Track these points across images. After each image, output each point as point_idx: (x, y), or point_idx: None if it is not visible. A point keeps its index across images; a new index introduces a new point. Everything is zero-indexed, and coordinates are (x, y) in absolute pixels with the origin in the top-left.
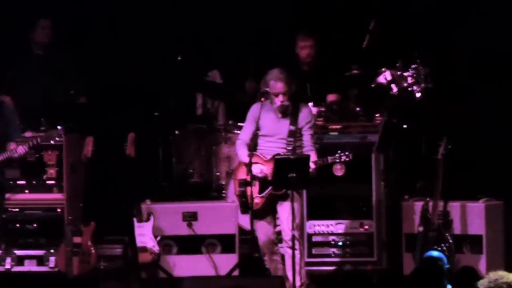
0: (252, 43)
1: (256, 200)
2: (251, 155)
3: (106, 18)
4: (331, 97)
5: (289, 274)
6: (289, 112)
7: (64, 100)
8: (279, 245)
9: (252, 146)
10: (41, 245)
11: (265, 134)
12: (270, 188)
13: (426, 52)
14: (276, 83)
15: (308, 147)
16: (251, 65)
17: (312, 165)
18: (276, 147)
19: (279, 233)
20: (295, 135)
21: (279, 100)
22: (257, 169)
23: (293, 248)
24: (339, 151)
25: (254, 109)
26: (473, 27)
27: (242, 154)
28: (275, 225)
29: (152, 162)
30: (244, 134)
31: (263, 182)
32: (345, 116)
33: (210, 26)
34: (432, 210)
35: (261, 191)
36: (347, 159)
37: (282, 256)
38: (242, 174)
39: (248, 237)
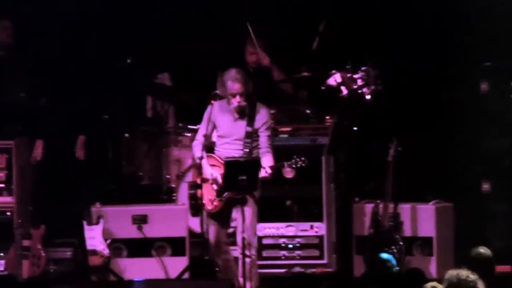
0: (201, 45)
1: (215, 203)
2: (201, 158)
3: (56, 20)
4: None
5: (241, 279)
6: (246, 113)
7: (14, 102)
8: (232, 248)
9: (208, 147)
10: None
11: (221, 135)
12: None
13: (376, 54)
14: (233, 84)
15: (265, 149)
16: (201, 67)
17: (268, 170)
18: (232, 149)
19: (231, 235)
20: (252, 136)
21: (236, 101)
22: (207, 172)
23: (243, 251)
24: (294, 156)
25: (210, 109)
26: (420, 29)
27: (196, 153)
28: (228, 228)
29: (101, 165)
30: (199, 134)
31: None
32: (295, 118)
33: (160, 29)
34: (382, 212)
35: (219, 194)
36: (303, 164)
37: (235, 258)
38: (192, 177)
39: (198, 240)
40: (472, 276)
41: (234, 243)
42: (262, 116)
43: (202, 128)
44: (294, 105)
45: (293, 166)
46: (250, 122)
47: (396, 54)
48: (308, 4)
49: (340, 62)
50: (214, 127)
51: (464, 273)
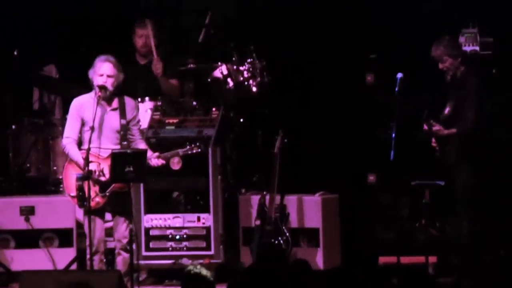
0: (89, 37)
1: (97, 199)
2: (87, 150)
3: None
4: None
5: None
6: (118, 105)
7: None
8: (108, 239)
9: (82, 142)
10: None
11: (94, 128)
12: (112, 186)
13: (262, 46)
14: (103, 63)
15: (138, 140)
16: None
17: (161, 161)
18: (109, 143)
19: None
20: (126, 129)
21: (101, 80)
22: (93, 165)
23: (130, 242)
24: (187, 143)
25: (77, 103)
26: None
27: (74, 153)
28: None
29: None
30: (70, 131)
31: (103, 181)
32: (181, 110)
33: (47, 20)
34: (269, 204)
35: (102, 189)
36: (199, 150)
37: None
38: (74, 171)
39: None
40: None
41: (110, 235)
42: (132, 107)
43: (72, 124)
44: (180, 96)
45: (189, 152)
46: (123, 115)
47: (282, 45)
48: None
49: (226, 54)
50: (83, 121)
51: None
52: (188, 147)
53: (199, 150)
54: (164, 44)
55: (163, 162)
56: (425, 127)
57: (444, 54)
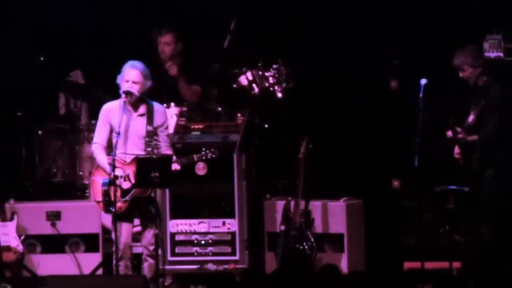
0: (116, 43)
1: (119, 204)
2: (113, 156)
3: None
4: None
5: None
6: (145, 111)
7: None
8: (134, 244)
9: (109, 148)
10: None
11: (121, 134)
12: (133, 191)
13: (287, 52)
14: (130, 70)
15: (165, 147)
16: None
17: (176, 165)
18: (135, 148)
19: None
20: (153, 135)
21: (127, 86)
22: (118, 171)
23: (156, 247)
24: (203, 148)
25: (106, 109)
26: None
27: (102, 159)
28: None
29: (15, 162)
30: (98, 136)
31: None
32: (207, 115)
33: (73, 26)
34: (293, 209)
35: (123, 195)
36: (213, 155)
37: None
38: (101, 176)
39: (111, 236)
40: None
41: (137, 240)
42: (160, 114)
43: (101, 128)
44: (206, 102)
45: (203, 158)
46: (150, 121)
47: (307, 51)
48: (219, 1)
49: (252, 60)
50: (111, 127)
51: None
52: (203, 152)
53: (214, 155)
54: (188, 50)
55: (177, 167)
56: (450, 134)
57: (464, 63)
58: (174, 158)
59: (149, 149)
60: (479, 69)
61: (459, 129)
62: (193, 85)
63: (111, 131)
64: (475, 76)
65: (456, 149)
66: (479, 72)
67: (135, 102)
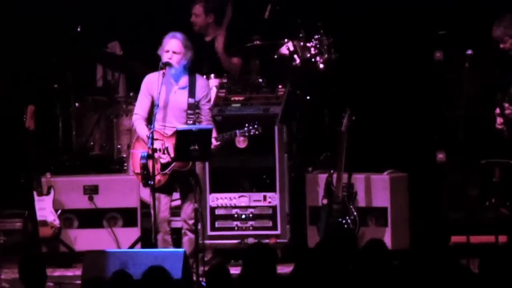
0: (151, 14)
1: (158, 177)
2: (152, 129)
3: None
4: (235, 60)
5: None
6: (187, 84)
7: None
8: (174, 219)
9: (151, 120)
10: None
11: (162, 107)
12: (173, 164)
13: (329, 23)
14: (170, 39)
15: (207, 121)
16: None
17: (214, 141)
18: (176, 121)
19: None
20: (194, 108)
21: (167, 57)
22: (158, 144)
23: (196, 222)
24: (246, 124)
25: (148, 80)
26: None
27: (141, 130)
28: (171, 201)
29: (52, 135)
30: (139, 108)
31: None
32: (247, 87)
33: None
34: (336, 183)
35: (163, 168)
36: (256, 132)
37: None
38: (141, 148)
39: (149, 211)
40: None
41: (177, 215)
42: (202, 87)
43: (141, 100)
44: (244, 74)
45: (246, 134)
46: (192, 94)
47: (349, 23)
48: None
49: (293, 31)
50: (152, 99)
51: None
52: (246, 128)
53: (257, 132)
54: (229, 21)
55: (216, 143)
56: (498, 111)
57: (504, 34)
58: (216, 134)
59: (190, 122)
60: None
61: (506, 105)
62: (234, 58)
63: (153, 102)
64: None
65: (499, 120)
66: None
67: (176, 74)
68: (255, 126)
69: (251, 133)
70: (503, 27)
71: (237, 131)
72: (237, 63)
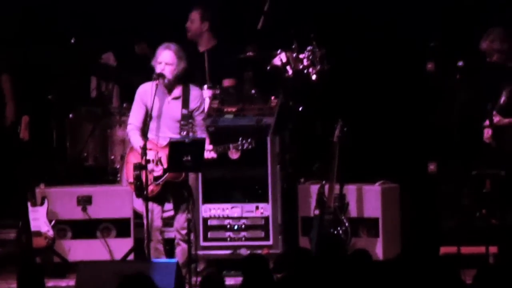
0: (146, 25)
1: (152, 187)
2: (145, 139)
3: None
4: (227, 82)
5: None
6: (180, 94)
7: None
8: (167, 229)
9: (145, 130)
10: None
11: (156, 117)
12: (166, 175)
13: (322, 34)
14: (163, 51)
15: (200, 131)
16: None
17: (212, 154)
18: (169, 132)
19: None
20: (188, 118)
21: (160, 68)
22: (151, 154)
23: (188, 232)
24: (240, 138)
25: (142, 90)
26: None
27: (135, 140)
28: (163, 212)
29: (46, 146)
30: (133, 118)
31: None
32: (240, 98)
33: (104, 8)
34: (328, 193)
35: (156, 178)
36: (250, 146)
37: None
38: (134, 158)
39: (142, 221)
40: None
41: (170, 225)
42: (196, 97)
43: (136, 110)
44: (239, 85)
45: (239, 148)
46: (185, 104)
47: (341, 34)
48: None
49: (286, 42)
50: (147, 108)
51: None
52: (239, 142)
53: (250, 146)
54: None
55: (214, 156)
56: (487, 122)
57: (490, 48)
58: (211, 147)
59: (184, 132)
60: (505, 54)
61: (494, 112)
62: (226, 80)
63: (147, 112)
64: (503, 60)
65: (487, 133)
66: (506, 55)
67: (169, 85)
68: (249, 140)
69: (244, 147)
70: (489, 41)
71: (231, 144)
72: (230, 84)
